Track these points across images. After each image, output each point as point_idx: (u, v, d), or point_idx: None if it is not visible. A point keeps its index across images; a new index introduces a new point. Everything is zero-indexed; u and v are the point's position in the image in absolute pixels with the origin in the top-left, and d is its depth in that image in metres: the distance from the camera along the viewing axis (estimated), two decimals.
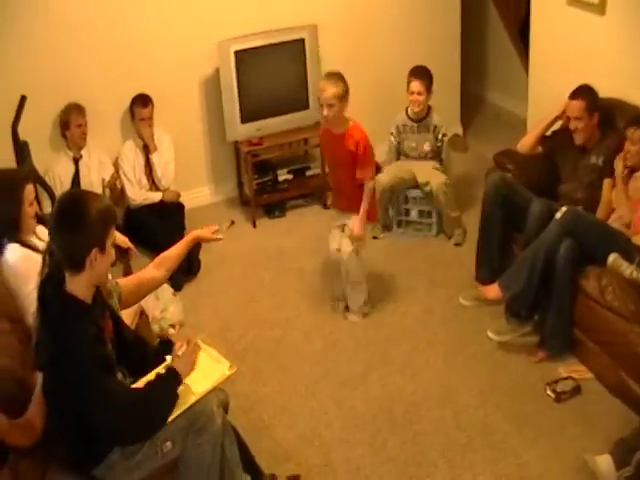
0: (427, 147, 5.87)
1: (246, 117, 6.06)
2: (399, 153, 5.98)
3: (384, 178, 5.75)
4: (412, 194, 5.87)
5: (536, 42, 5.99)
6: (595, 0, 5.23)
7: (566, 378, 4.32)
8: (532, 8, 5.95)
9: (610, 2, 5.14)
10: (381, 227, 5.96)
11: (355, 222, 4.85)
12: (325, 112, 4.64)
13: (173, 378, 3.15)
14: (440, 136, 5.82)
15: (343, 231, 4.95)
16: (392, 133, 5.94)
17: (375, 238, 5.88)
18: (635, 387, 4.03)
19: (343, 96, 4.61)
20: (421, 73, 5.71)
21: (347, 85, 4.63)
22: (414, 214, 5.95)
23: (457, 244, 5.78)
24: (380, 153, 5.75)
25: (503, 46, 7.69)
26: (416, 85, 5.69)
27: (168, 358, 3.32)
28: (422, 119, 5.82)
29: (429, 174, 5.76)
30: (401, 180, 5.79)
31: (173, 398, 3.13)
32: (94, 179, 5.74)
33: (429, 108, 5.82)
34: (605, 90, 4.94)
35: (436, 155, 5.89)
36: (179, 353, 3.27)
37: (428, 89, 5.71)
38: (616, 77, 5.13)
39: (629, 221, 4.47)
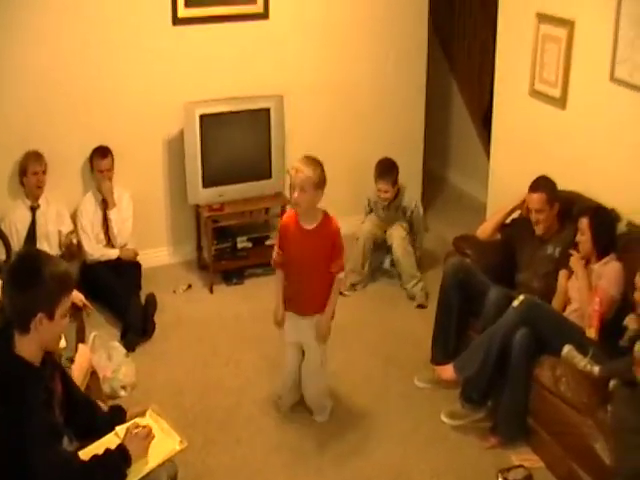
0: (394, 226, 6.17)
1: (208, 182, 6.09)
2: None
3: (367, 227, 6.10)
4: (388, 242, 6.24)
5: (498, 130, 6.17)
6: (557, 94, 5.44)
7: (518, 466, 4.35)
8: (495, 96, 6.16)
9: (571, 97, 5.34)
10: (349, 285, 6.12)
11: (321, 321, 4.49)
12: (296, 195, 4.26)
13: (123, 459, 3.09)
14: (409, 213, 6.14)
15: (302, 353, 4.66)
16: (368, 200, 6.29)
17: (341, 294, 5.91)
18: (586, 479, 4.07)
19: (319, 184, 4.25)
20: (386, 172, 6.06)
21: (325, 176, 4.30)
22: (387, 263, 6.31)
23: (420, 306, 5.93)
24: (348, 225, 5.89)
25: (467, 131, 7.92)
26: (382, 185, 6.03)
27: (118, 428, 3.29)
28: (391, 201, 6.12)
29: (394, 233, 6.09)
30: (376, 234, 6.14)
31: (120, 478, 3.07)
32: (51, 230, 5.73)
33: (398, 190, 6.11)
34: (564, 183, 5.11)
35: (406, 225, 6.19)
36: (134, 431, 3.22)
37: (394, 183, 6.06)
38: (575, 170, 5.30)
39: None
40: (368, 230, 6.15)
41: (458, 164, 8.20)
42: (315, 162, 4.31)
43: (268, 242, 6.38)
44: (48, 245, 5.67)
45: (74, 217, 5.91)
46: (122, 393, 4.92)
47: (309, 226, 4.37)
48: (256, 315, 5.81)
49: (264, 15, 6.27)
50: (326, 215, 4.40)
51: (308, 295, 4.49)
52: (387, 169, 6.07)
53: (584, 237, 4.66)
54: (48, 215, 5.76)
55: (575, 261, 4.70)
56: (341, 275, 4.48)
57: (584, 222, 4.65)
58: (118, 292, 5.68)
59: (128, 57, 5.94)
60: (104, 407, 3.60)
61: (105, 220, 5.92)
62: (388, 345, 5.52)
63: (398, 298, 6.10)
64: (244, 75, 6.29)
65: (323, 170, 4.30)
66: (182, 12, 5.99)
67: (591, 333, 4.41)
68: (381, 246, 6.27)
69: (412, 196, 6.28)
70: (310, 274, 4.43)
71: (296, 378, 4.71)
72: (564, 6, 5.29)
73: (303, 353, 4.67)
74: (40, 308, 2.88)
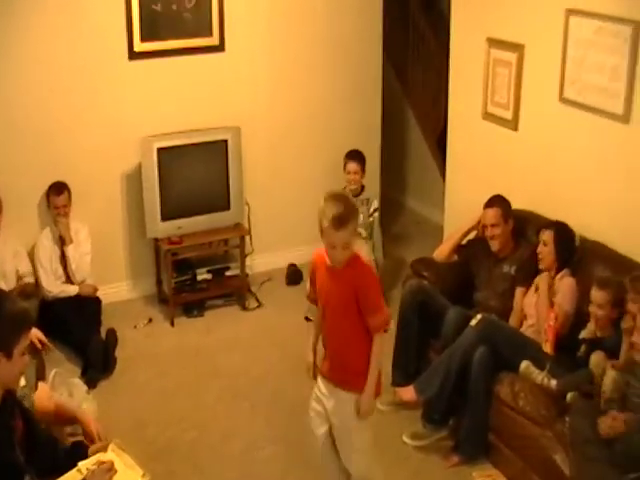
0: (360, 219, 6.03)
1: (167, 215, 6.08)
2: None
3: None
4: None
5: (452, 154, 6.26)
6: (509, 116, 5.54)
7: None
8: (449, 120, 6.24)
9: (523, 118, 5.44)
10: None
11: (362, 399, 3.63)
12: (333, 252, 3.57)
13: None
14: (372, 210, 6.24)
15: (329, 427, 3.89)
16: None
17: (307, 319, 5.94)
18: None
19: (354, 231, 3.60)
20: (356, 155, 6.27)
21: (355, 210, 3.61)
22: None
23: None
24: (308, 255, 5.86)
25: (423, 156, 8.00)
26: (353, 166, 6.24)
27: (80, 464, 3.25)
28: (357, 195, 6.23)
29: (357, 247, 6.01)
30: None
31: None
32: (8, 270, 5.67)
33: (363, 186, 6.29)
34: (518, 202, 5.21)
35: (366, 229, 6.24)
36: (96, 467, 3.19)
37: (363, 169, 6.26)
38: (528, 190, 5.39)
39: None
40: None
41: (415, 189, 8.27)
42: (347, 213, 3.52)
43: (228, 273, 6.39)
44: (5, 284, 5.58)
45: (31, 254, 5.85)
46: None
47: (332, 263, 3.64)
48: (217, 346, 5.80)
49: (220, 48, 6.31)
50: (355, 255, 3.63)
51: (339, 354, 3.73)
52: (357, 152, 6.34)
53: (547, 249, 4.74)
54: (4, 254, 5.69)
55: (543, 278, 4.76)
56: (380, 338, 3.65)
57: (548, 234, 4.73)
58: (78, 329, 5.61)
59: (85, 92, 5.93)
60: (66, 443, 3.56)
61: (63, 256, 5.87)
62: None
63: None
64: (201, 107, 6.32)
65: (351, 208, 3.58)
66: (138, 46, 6.00)
67: (547, 348, 4.47)
68: None
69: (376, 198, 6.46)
70: (340, 325, 3.67)
71: (332, 455, 3.96)
72: (514, 31, 5.41)
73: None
74: None
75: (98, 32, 5.86)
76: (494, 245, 5.06)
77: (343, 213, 3.47)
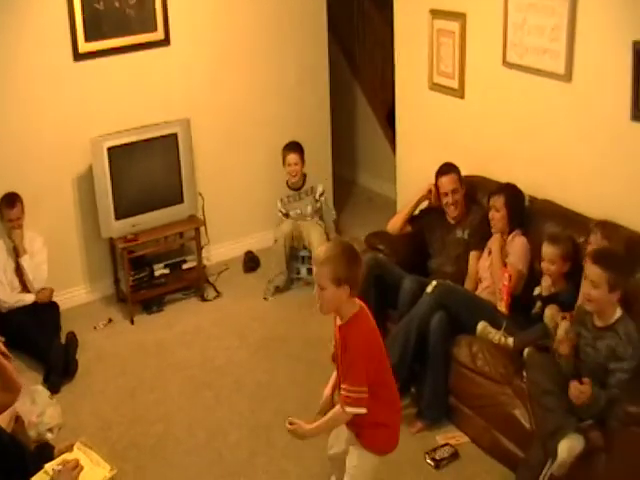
0: (309, 209, 6.30)
1: (121, 213, 6.02)
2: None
3: (285, 227, 6.17)
4: (301, 253, 6.36)
5: (401, 126, 6.27)
6: (455, 85, 5.58)
7: (444, 445, 4.42)
8: (397, 93, 6.26)
9: (468, 86, 5.49)
10: (273, 288, 6.22)
11: (302, 429, 3.48)
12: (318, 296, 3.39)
13: None
14: (318, 196, 6.30)
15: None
16: (280, 210, 6.35)
17: (265, 299, 6.18)
18: (509, 445, 4.18)
19: (338, 279, 3.25)
20: (295, 146, 6.26)
21: (346, 261, 3.28)
22: (304, 271, 6.35)
23: None
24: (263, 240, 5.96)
25: (372, 132, 8.00)
26: (292, 157, 6.22)
27: (47, 466, 3.22)
28: (301, 187, 6.30)
29: (311, 229, 6.17)
30: (296, 238, 6.23)
31: None
32: None
33: (304, 176, 6.28)
34: (467, 168, 5.24)
35: (317, 214, 6.32)
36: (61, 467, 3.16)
37: (302, 160, 6.24)
38: (477, 156, 5.43)
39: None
40: (286, 231, 6.18)
41: (366, 165, 8.28)
42: (338, 248, 3.33)
43: (185, 266, 6.33)
44: None
45: None
46: (49, 436, 4.78)
47: (340, 321, 3.45)
48: (179, 340, 5.77)
49: (165, 42, 6.25)
50: (354, 317, 3.38)
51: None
52: (295, 143, 6.33)
53: (499, 214, 4.77)
54: None
55: (495, 240, 4.78)
56: (352, 410, 3.35)
57: (500, 200, 4.76)
58: (37, 336, 5.54)
59: (31, 97, 5.83)
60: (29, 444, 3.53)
61: (18, 267, 5.79)
62: (310, 350, 5.51)
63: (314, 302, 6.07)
64: (151, 103, 6.25)
65: (348, 255, 3.30)
66: (83, 47, 5.91)
67: (502, 307, 4.51)
68: (295, 256, 6.35)
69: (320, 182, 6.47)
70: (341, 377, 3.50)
71: None
72: (455, 0, 5.43)
73: None
74: None
75: (41, 35, 5.77)
76: (455, 211, 5.08)
77: (322, 254, 3.28)
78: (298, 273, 6.40)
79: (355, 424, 3.49)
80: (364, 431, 3.51)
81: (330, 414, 3.45)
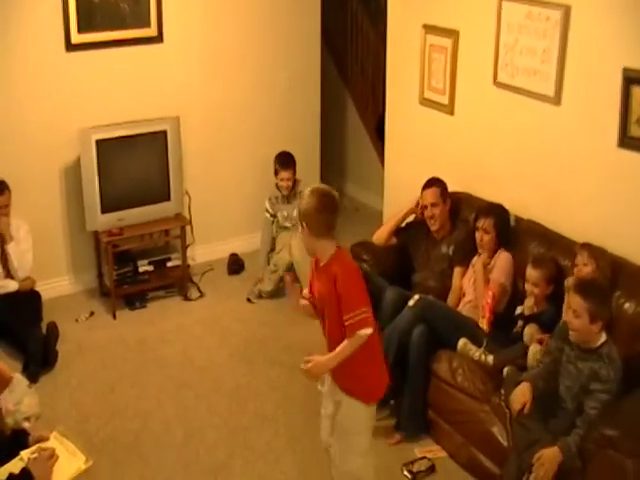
0: (295, 214, 6.20)
1: (107, 207, 6.03)
2: (275, 226, 6.39)
3: (285, 256, 6.20)
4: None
5: (391, 139, 6.32)
6: (445, 100, 5.62)
7: (421, 458, 4.46)
8: (387, 107, 6.30)
9: (458, 102, 5.54)
10: (257, 292, 6.27)
11: (317, 363, 3.61)
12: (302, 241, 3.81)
13: None
14: None
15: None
16: (267, 209, 6.35)
17: (249, 301, 6.23)
18: (486, 462, 4.23)
19: (310, 231, 3.59)
20: (286, 162, 6.27)
21: (314, 207, 3.59)
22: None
23: None
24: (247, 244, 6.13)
25: (362, 144, 8.07)
26: (285, 174, 6.24)
27: (22, 453, 3.24)
28: (291, 190, 6.34)
29: (292, 239, 6.18)
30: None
31: None
32: None
33: (295, 180, 6.33)
34: (453, 184, 5.30)
35: None
36: (37, 455, 3.18)
37: (294, 173, 6.27)
38: (464, 172, 5.49)
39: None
40: (287, 262, 6.22)
41: (354, 176, 8.34)
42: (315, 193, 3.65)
43: (169, 264, 6.37)
44: None
45: None
46: (26, 425, 4.74)
47: (322, 262, 3.64)
48: (160, 337, 5.79)
49: (158, 39, 6.27)
50: (337, 251, 3.61)
51: (329, 351, 3.68)
52: (287, 158, 6.33)
53: (488, 236, 4.84)
54: None
55: (479, 258, 4.85)
56: (361, 332, 3.49)
57: (489, 222, 4.82)
58: (18, 324, 5.55)
59: (21, 86, 5.84)
60: (6, 432, 3.53)
61: (3, 254, 5.79)
62: (291, 355, 5.52)
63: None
64: (140, 98, 6.27)
65: (314, 202, 3.61)
66: (75, 38, 5.92)
67: (483, 324, 4.57)
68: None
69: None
70: (333, 327, 3.61)
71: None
72: (449, 17, 5.48)
73: None
74: None
75: (34, 24, 5.78)
76: (434, 225, 5.13)
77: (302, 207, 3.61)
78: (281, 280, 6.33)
79: (341, 377, 3.65)
80: (350, 383, 3.64)
81: (341, 345, 3.52)
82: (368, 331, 3.49)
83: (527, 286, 4.45)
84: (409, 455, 4.52)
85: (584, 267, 4.23)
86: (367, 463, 3.81)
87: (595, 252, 4.25)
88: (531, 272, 4.42)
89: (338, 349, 3.54)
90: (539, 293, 4.41)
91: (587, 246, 4.31)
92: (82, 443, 3.38)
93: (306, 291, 3.82)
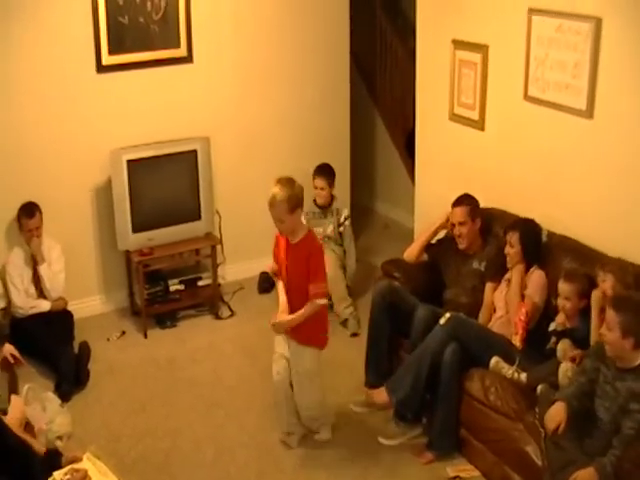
0: (329, 230, 6.32)
1: (138, 227, 6.06)
2: None
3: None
4: None
5: (421, 156, 6.29)
6: (475, 116, 5.59)
7: (454, 477, 4.41)
8: (417, 123, 6.28)
9: (489, 118, 5.50)
10: None
11: (284, 319, 4.53)
12: (278, 226, 4.50)
13: None
14: (342, 219, 6.32)
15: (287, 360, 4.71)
16: None
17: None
18: None
19: (292, 209, 4.36)
20: (323, 171, 6.30)
21: (298, 192, 4.41)
22: None
23: (354, 334, 5.95)
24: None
25: (392, 161, 8.05)
26: (319, 182, 6.26)
27: (55, 474, 3.24)
28: (327, 206, 6.37)
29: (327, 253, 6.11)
30: None
31: None
32: None
33: (332, 197, 6.33)
34: (486, 200, 5.26)
35: (335, 240, 6.31)
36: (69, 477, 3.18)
37: (330, 184, 6.28)
38: (496, 188, 5.44)
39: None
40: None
41: (384, 194, 8.31)
42: (285, 184, 4.41)
43: (200, 283, 6.37)
44: None
45: (2, 271, 5.81)
46: (58, 443, 4.78)
47: (293, 240, 4.51)
48: (191, 356, 5.80)
49: (188, 59, 6.32)
50: (309, 233, 4.56)
51: (291, 310, 4.56)
52: (325, 167, 6.36)
53: (513, 250, 4.80)
54: None
55: (516, 272, 4.79)
56: (320, 301, 4.46)
57: (514, 236, 4.78)
58: (50, 344, 5.57)
59: (53, 108, 5.90)
60: (40, 451, 3.54)
61: (36, 275, 5.83)
62: (324, 373, 5.43)
63: (332, 328, 6.07)
64: (170, 118, 6.32)
65: (294, 188, 4.40)
66: (106, 59, 6.00)
67: (516, 341, 4.51)
68: None
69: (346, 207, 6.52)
70: (296, 292, 4.52)
71: (287, 392, 4.72)
72: (478, 32, 5.46)
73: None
74: None
75: (66, 46, 5.86)
76: (461, 243, 5.09)
77: (277, 198, 4.38)
78: None
79: (301, 332, 4.55)
80: (308, 336, 4.57)
81: (304, 308, 4.44)
82: (323, 301, 4.51)
83: (559, 300, 4.41)
84: (441, 474, 4.47)
85: (603, 283, 4.20)
86: (323, 400, 4.80)
87: (611, 266, 4.22)
88: (563, 286, 4.38)
89: (300, 312, 4.46)
90: (571, 308, 4.36)
91: (604, 261, 4.29)
92: (113, 463, 3.39)
93: (272, 264, 4.75)
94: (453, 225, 5.13)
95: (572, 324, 4.37)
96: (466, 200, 5.13)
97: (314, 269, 4.43)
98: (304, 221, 6.22)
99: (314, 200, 6.34)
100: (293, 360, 4.63)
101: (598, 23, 4.51)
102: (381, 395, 4.73)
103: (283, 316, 4.52)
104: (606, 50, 4.53)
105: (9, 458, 3.20)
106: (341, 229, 6.32)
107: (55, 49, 5.83)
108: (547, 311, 4.63)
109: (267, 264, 4.94)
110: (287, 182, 4.41)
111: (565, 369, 4.11)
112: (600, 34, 4.52)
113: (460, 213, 5.07)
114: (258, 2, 6.52)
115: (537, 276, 4.72)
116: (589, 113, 4.67)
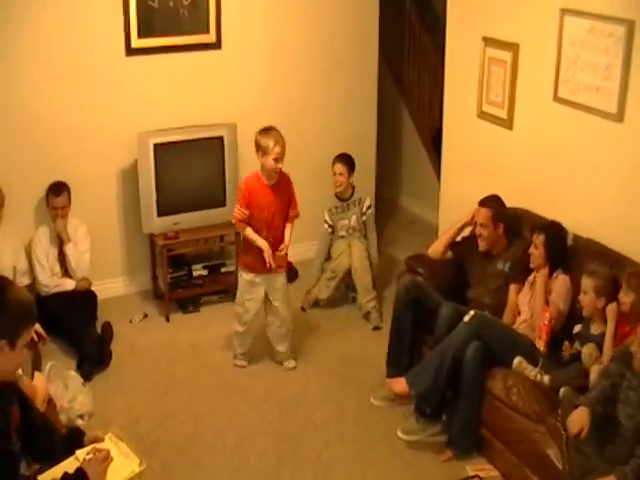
0: (353, 221, 6.31)
1: (163, 210, 6.10)
2: (331, 238, 6.41)
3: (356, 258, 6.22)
4: (350, 294, 6.42)
5: (448, 152, 6.28)
6: (503, 115, 5.57)
7: (473, 477, 4.41)
8: (445, 119, 6.27)
9: (517, 117, 5.48)
10: (312, 300, 6.32)
11: (283, 249, 5.30)
12: (279, 165, 5.14)
13: None
14: (365, 209, 6.29)
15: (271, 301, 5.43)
16: (326, 221, 6.35)
17: (303, 310, 6.26)
18: None
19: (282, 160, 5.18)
20: (342, 158, 6.27)
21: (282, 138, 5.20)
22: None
23: (376, 327, 5.99)
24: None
25: (418, 156, 8.05)
26: (338, 167, 6.23)
27: (78, 452, 3.27)
28: (349, 198, 6.32)
29: (353, 248, 6.25)
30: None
31: None
32: (6, 265, 5.64)
33: (353, 188, 6.30)
34: (512, 200, 5.24)
35: (360, 231, 6.32)
36: (92, 455, 3.21)
37: (349, 171, 6.24)
38: (522, 188, 5.42)
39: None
40: (345, 267, 6.25)
41: (410, 188, 8.32)
42: (277, 132, 5.23)
43: (224, 269, 6.40)
44: None
45: (28, 249, 5.86)
46: (79, 422, 4.84)
47: (271, 182, 5.18)
48: (213, 342, 5.83)
49: (217, 45, 6.34)
50: (281, 171, 5.22)
51: (278, 246, 5.25)
52: (345, 155, 6.33)
53: (537, 251, 4.77)
54: (4, 249, 5.69)
55: (540, 277, 4.77)
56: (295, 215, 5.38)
57: (540, 238, 4.75)
58: (73, 323, 5.63)
59: (82, 89, 5.94)
60: (62, 430, 3.58)
61: (60, 254, 5.88)
62: (345, 366, 5.56)
63: (354, 321, 6.16)
64: (198, 104, 6.34)
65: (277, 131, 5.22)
66: (136, 42, 6.02)
67: (540, 345, 4.51)
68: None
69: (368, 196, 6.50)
70: (278, 224, 5.24)
71: (254, 320, 5.48)
72: (509, 30, 5.45)
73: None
74: (3, 335, 2.87)
75: (95, 29, 5.89)
76: (481, 245, 5.08)
77: (272, 128, 5.23)
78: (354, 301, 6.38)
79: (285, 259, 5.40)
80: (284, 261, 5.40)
81: (288, 231, 5.30)
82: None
83: (581, 296, 4.38)
84: (460, 473, 4.48)
85: (624, 297, 4.17)
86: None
87: (637, 282, 4.15)
88: (583, 280, 4.37)
89: (288, 235, 5.31)
90: (588, 303, 4.32)
91: (631, 272, 4.24)
92: (134, 444, 3.38)
93: (240, 213, 5.24)
94: (475, 225, 5.14)
95: (598, 329, 4.32)
96: (491, 202, 5.08)
97: (294, 195, 5.32)
98: (328, 218, 6.30)
99: (335, 194, 6.34)
100: (277, 287, 5.39)
101: (630, 26, 4.47)
102: (400, 384, 4.72)
103: (284, 245, 5.29)
104: (638, 53, 4.49)
105: (34, 435, 3.23)
106: (364, 218, 6.32)
107: (86, 32, 5.87)
108: (572, 315, 4.62)
109: (233, 215, 5.33)
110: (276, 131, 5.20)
111: (597, 371, 4.08)
112: (632, 37, 4.49)
113: (484, 214, 5.03)
114: None
115: (561, 281, 4.70)
116: (619, 116, 4.65)
